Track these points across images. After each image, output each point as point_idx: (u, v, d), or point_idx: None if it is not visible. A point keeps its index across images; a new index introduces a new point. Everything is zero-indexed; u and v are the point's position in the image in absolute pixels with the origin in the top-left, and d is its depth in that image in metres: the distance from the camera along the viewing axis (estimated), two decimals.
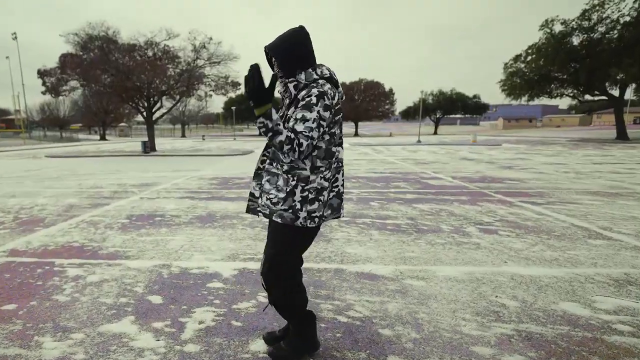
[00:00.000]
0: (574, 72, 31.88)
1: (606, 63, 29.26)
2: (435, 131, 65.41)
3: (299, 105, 1.83)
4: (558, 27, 32.30)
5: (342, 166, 2.05)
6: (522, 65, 35.07)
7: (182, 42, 33.94)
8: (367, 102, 60.40)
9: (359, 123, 67.94)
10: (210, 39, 23.44)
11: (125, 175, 11.49)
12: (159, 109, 24.89)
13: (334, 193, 2.02)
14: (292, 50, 1.90)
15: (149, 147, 22.54)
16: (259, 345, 2.35)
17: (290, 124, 1.80)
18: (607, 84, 32.14)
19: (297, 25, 1.99)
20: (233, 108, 58.70)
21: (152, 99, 23.33)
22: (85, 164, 15.72)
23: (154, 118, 24.27)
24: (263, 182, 1.98)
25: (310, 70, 1.92)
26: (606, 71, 29.69)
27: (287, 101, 1.96)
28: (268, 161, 1.98)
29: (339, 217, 2.09)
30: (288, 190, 1.91)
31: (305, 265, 3.62)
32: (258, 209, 2.01)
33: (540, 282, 3.16)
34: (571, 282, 3.14)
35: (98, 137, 60.36)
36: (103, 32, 21.94)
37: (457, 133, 64.14)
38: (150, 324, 2.64)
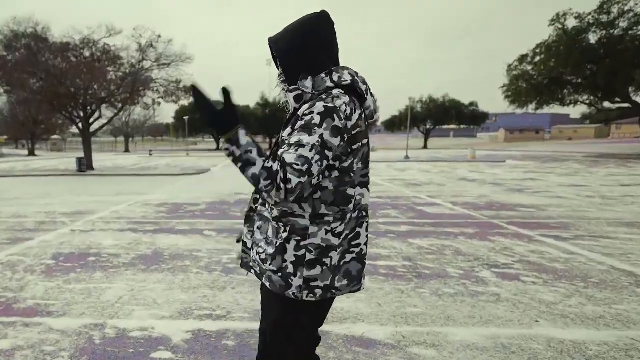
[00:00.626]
0: (591, 75, 33.46)
1: (630, 64, 30.86)
2: (425, 145, 67.08)
3: (297, 126, 1.60)
4: (572, 22, 33.95)
5: (367, 216, 1.79)
6: (529, 68, 36.57)
7: (126, 40, 34.70)
8: None
9: None
10: (159, 36, 24.23)
11: (55, 200, 11.71)
12: (97, 119, 25.41)
13: (353, 255, 1.76)
14: (300, 46, 1.70)
15: (85, 165, 22.96)
16: None
17: (280, 151, 1.57)
18: (630, 89, 33.85)
19: (319, 10, 1.77)
20: (185, 118, 58.10)
21: (89, 108, 23.92)
22: (7, 186, 15.77)
23: (91, 130, 24.74)
24: (255, 229, 1.81)
25: (322, 75, 1.70)
26: (630, 73, 31.30)
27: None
28: (260, 201, 1.78)
29: (359, 289, 1.82)
30: (278, 244, 1.68)
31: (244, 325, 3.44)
32: (250, 264, 1.86)
33: (587, 351, 3.04)
34: (628, 351, 3.04)
35: (26, 152, 59.68)
36: (31, 29, 22.44)
37: (451, 147, 65.87)
38: None
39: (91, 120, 24.39)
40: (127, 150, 66.84)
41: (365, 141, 1.71)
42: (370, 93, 1.79)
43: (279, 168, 1.49)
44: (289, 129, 1.66)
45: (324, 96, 1.64)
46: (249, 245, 1.86)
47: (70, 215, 9.06)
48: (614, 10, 32.35)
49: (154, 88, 25.53)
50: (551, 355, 2.99)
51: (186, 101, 27.89)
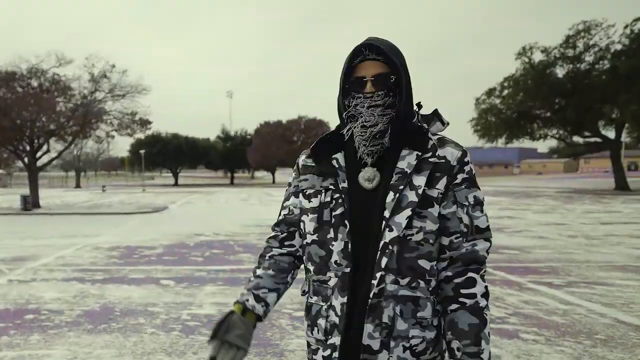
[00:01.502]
0: (560, 109, 34.78)
1: (599, 99, 32.30)
2: None
3: (465, 184, 1.43)
4: (538, 56, 35.48)
5: None
6: (498, 101, 37.77)
7: (77, 70, 34.40)
8: (308, 144, 63.56)
9: None
10: (113, 66, 24.10)
11: None
12: (45, 152, 24.73)
13: None
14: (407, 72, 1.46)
15: (30, 203, 22.18)
16: None
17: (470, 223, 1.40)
18: (600, 123, 35.27)
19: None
20: (142, 152, 56.79)
21: (36, 141, 23.30)
22: None
23: (39, 164, 24.10)
24: (387, 319, 1.37)
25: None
26: (599, 108, 32.68)
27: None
28: (392, 277, 1.36)
29: None
30: (437, 324, 1.42)
31: None
32: None
33: None
34: None
35: None
36: None
37: None
38: None
39: (39, 154, 23.73)
40: (78, 186, 64.66)
41: None
42: None
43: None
44: (421, 179, 1.39)
45: (446, 139, 1.48)
46: (376, 348, 1.37)
47: (9, 262, 8.55)
48: (579, 44, 33.97)
49: (108, 120, 25.18)
50: None
51: (142, 134, 27.44)
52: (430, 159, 1.40)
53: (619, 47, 32.43)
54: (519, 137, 37.96)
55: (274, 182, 71.20)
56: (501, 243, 9.90)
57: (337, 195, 1.44)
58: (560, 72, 35.28)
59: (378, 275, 1.35)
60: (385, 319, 1.36)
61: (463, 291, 1.36)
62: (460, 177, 1.41)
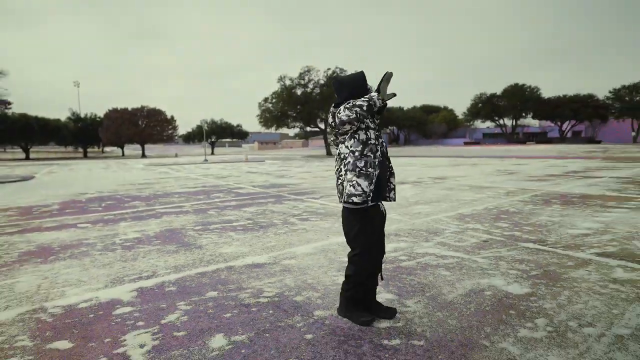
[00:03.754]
0: (300, 112, 38.48)
1: (316, 108, 36.88)
2: (212, 152, 64.95)
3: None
4: (288, 82, 38.20)
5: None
6: (270, 105, 39.52)
7: None
8: (152, 127, 53.89)
9: (145, 145, 58.73)
10: None
11: None
12: None
13: None
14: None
15: None
16: None
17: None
18: (318, 120, 40.40)
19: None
20: None
21: None
22: None
23: None
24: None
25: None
26: (317, 113, 37.46)
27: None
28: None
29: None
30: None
31: (199, 270, 3.31)
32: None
33: None
34: None
35: None
36: None
37: (229, 153, 65.22)
38: None
39: None
40: None
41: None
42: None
43: None
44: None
45: None
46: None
47: None
48: (306, 78, 37.88)
49: None
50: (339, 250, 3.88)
51: None
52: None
53: (322, 81, 37.53)
54: (282, 126, 40.69)
55: (123, 154, 58.52)
56: (285, 182, 10.93)
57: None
58: (299, 91, 38.67)
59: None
60: (394, 173, 2.15)
61: None
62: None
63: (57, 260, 3.68)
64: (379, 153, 2.01)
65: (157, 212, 6.25)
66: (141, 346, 2.07)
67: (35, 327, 2.33)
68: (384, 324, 2.22)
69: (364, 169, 1.95)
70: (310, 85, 38.24)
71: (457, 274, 3.02)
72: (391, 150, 41.04)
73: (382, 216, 2.08)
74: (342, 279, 3.00)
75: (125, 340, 2.13)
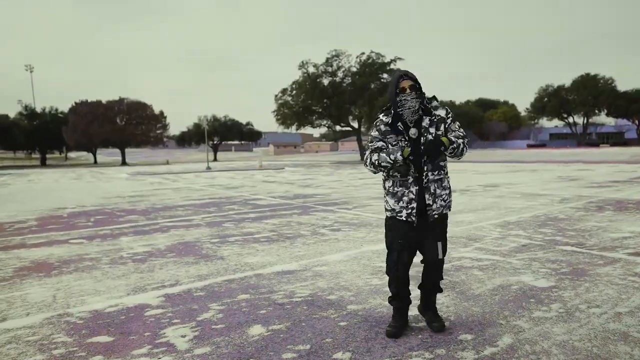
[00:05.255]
0: (327, 107, 39.49)
1: (347, 102, 37.73)
2: (214, 157, 65.52)
3: (450, 121, 2.61)
4: (311, 69, 39.36)
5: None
6: (289, 98, 40.88)
7: None
8: (134, 125, 51.59)
9: (126, 150, 55.79)
10: None
11: None
12: None
13: None
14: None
15: None
16: None
17: (460, 135, 2.55)
18: (349, 118, 41.14)
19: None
20: None
21: None
22: None
23: None
24: (432, 190, 2.53)
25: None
26: (348, 108, 38.28)
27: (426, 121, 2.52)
28: (431, 173, 2.54)
29: None
30: (449, 187, 2.67)
31: (225, 277, 4.04)
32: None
33: None
34: None
35: None
36: None
37: (236, 159, 66.42)
38: None
39: None
40: None
41: None
42: None
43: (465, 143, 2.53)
44: (433, 129, 2.52)
45: (439, 103, 2.64)
46: (430, 202, 2.52)
47: None
48: (334, 64, 38.88)
49: None
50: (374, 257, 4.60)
51: None
52: (434, 120, 2.52)
53: (355, 69, 38.23)
54: (304, 125, 41.84)
55: (95, 162, 55.54)
56: (311, 192, 11.83)
57: (406, 142, 2.48)
58: (325, 81, 39.73)
59: (425, 174, 2.49)
60: (432, 190, 2.50)
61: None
62: (449, 120, 2.54)
63: (62, 274, 4.14)
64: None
65: (162, 226, 6.89)
66: (182, 336, 2.69)
67: (67, 327, 2.87)
68: (412, 311, 2.90)
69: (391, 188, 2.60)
70: (340, 74, 39.26)
71: (489, 273, 3.85)
72: None
73: (408, 224, 2.54)
74: (376, 281, 3.73)
75: (164, 333, 2.75)
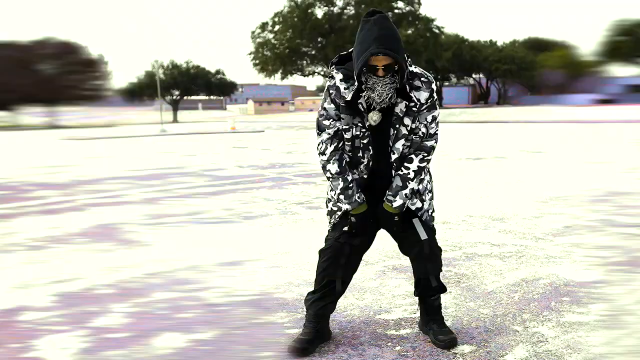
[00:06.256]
0: (322, 48, 38.87)
1: (349, 41, 36.98)
2: (174, 118, 59.60)
3: (429, 112, 2.32)
4: None
5: None
6: (271, 36, 40.10)
7: None
8: (64, 74, 50.15)
9: (59, 110, 53.16)
10: None
11: None
12: None
13: None
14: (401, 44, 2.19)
15: None
16: None
17: (429, 143, 2.36)
18: None
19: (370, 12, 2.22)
20: None
21: None
22: None
23: None
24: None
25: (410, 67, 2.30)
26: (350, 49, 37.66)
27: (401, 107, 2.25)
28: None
29: None
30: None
31: (148, 269, 3.94)
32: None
33: None
34: None
35: None
36: None
37: (204, 120, 62.10)
38: None
39: None
40: None
41: None
42: None
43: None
44: (409, 119, 2.27)
45: (426, 80, 2.28)
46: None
47: None
48: None
49: None
50: None
51: None
52: (413, 106, 2.23)
53: None
54: (292, 73, 41.31)
55: (16, 126, 50.05)
56: (293, 160, 11.91)
57: (364, 130, 2.27)
58: (319, 12, 38.98)
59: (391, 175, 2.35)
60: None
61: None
62: (424, 109, 2.26)
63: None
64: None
65: (81, 204, 7.01)
66: (62, 349, 2.60)
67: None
68: (394, 315, 2.88)
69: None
70: (339, 2, 38.32)
71: (511, 263, 3.82)
72: (474, 113, 40.75)
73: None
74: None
75: (37, 345, 2.65)
